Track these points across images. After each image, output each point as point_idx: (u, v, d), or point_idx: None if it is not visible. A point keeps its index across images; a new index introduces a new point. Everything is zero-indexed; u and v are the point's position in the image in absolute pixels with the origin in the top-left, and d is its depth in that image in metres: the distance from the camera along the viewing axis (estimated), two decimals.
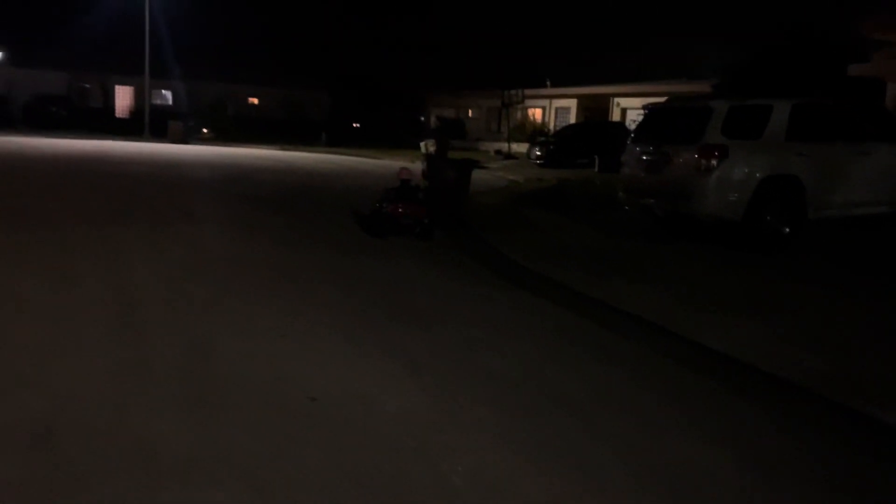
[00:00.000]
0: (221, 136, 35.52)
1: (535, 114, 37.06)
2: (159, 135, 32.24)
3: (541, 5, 64.79)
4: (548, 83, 36.73)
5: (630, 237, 9.20)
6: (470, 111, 42.71)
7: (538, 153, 26.18)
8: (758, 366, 4.34)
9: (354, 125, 43.49)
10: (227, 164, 20.51)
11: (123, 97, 41.49)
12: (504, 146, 32.22)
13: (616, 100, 32.37)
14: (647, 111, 9.45)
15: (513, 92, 32.06)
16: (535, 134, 32.74)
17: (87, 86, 41.16)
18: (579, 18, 62.17)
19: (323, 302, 5.74)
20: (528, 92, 33.01)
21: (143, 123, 33.91)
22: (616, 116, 31.96)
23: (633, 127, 26.19)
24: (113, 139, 30.05)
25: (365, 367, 4.24)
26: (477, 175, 10.84)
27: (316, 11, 68.42)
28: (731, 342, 4.75)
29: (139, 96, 38.97)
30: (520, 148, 31.08)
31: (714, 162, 7.94)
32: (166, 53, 36.82)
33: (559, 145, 26.07)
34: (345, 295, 5.97)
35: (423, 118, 46.74)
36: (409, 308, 5.67)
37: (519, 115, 36.01)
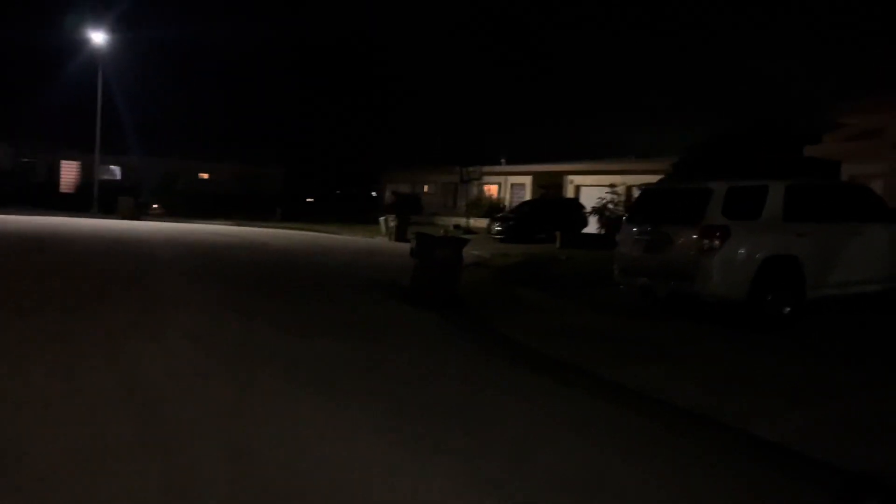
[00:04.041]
0: (172, 211, 34.76)
1: (491, 190, 37.62)
2: (107, 210, 31.35)
3: (497, 83, 66.88)
4: (503, 161, 37.53)
5: (630, 316, 9.13)
6: (426, 187, 43.11)
7: (498, 228, 26.52)
8: (804, 453, 4.27)
9: (308, 200, 43.37)
10: (187, 242, 19.86)
11: (69, 172, 40.37)
12: (461, 220, 32.46)
13: (569, 177, 33.17)
14: (641, 191, 9.57)
15: (471, 169, 32.61)
16: (491, 209, 33.15)
17: (32, 160, 40.02)
18: (534, 98, 64.35)
19: (345, 394, 5.38)
20: (484, 169, 33.61)
21: (92, 198, 32.98)
22: (570, 192, 32.70)
23: (588, 204, 26.93)
24: (59, 215, 29.02)
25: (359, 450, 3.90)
26: None
27: (270, 88, 69.06)
28: (774, 430, 4.65)
29: (86, 171, 38.03)
30: (477, 223, 31.32)
31: (717, 242, 8.00)
32: (116, 128, 36.33)
33: (519, 221, 26.45)
34: (351, 387, 5.63)
35: (375, 193, 46.95)
36: (423, 401, 5.36)
37: (476, 190, 36.52)
